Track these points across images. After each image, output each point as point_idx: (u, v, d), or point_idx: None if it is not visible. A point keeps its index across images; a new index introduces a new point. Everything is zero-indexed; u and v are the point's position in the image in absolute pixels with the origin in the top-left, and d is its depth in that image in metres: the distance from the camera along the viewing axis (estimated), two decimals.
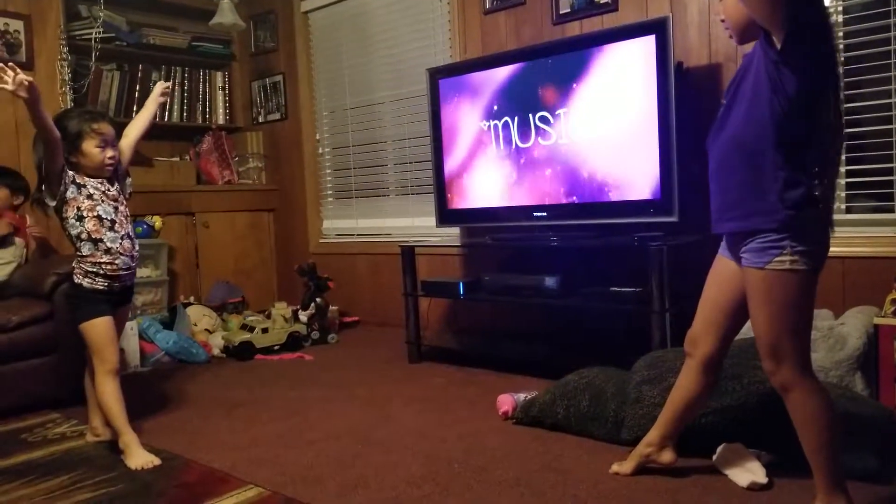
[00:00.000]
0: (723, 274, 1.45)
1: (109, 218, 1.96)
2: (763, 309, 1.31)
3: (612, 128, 2.46)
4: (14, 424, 2.28)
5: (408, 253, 2.94)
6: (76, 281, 1.96)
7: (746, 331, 2.15)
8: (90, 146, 1.92)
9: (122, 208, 2.01)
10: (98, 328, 1.92)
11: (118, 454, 1.90)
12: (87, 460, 1.93)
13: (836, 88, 1.26)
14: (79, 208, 1.92)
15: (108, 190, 1.99)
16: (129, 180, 2.09)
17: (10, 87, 1.69)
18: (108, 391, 1.91)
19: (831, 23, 1.29)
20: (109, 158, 1.96)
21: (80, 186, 1.93)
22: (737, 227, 1.33)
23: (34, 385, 2.41)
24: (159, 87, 2.13)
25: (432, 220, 3.09)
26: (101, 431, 2.08)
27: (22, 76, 1.71)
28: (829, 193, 1.29)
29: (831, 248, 2.31)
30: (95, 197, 1.95)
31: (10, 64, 1.72)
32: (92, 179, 1.96)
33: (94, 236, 1.93)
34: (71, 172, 1.92)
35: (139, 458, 1.85)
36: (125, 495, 1.67)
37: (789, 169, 1.25)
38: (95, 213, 1.93)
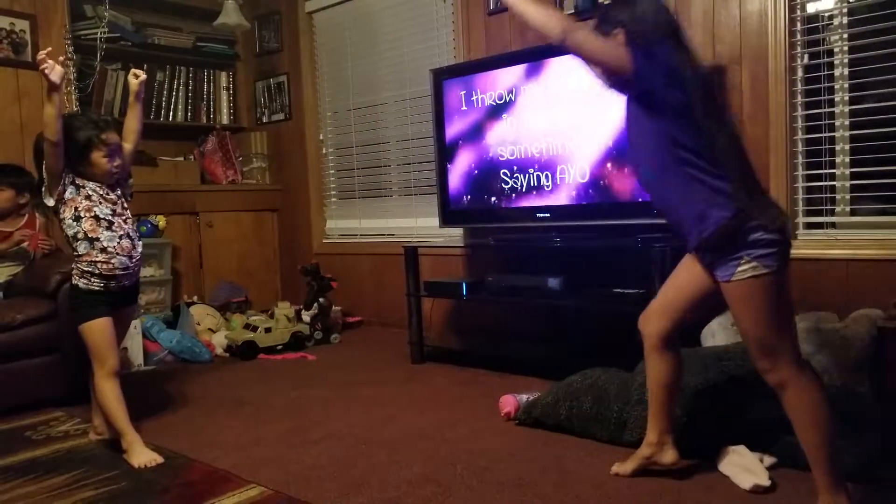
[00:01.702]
0: (694, 267, 1.50)
1: (107, 219, 1.96)
2: (744, 316, 1.38)
3: (616, 128, 2.45)
4: (18, 422, 2.29)
5: (411, 253, 2.94)
6: (73, 282, 1.98)
7: None
8: (98, 156, 1.94)
9: (120, 210, 2.01)
10: (95, 330, 1.93)
11: (121, 452, 1.91)
12: (90, 458, 1.94)
13: (703, 101, 1.35)
14: (76, 208, 1.93)
15: (108, 194, 1.99)
16: (130, 181, 2.10)
17: (49, 70, 1.76)
18: (107, 393, 1.91)
19: (683, 45, 1.41)
20: (116, 167, 1.98)
21: (79, 187, 1.95)
22: (691, 245, 1.43)
23: (38, 383, 2.42)
24: (134, 81, 2.05)
25: (435, 221, 3.10)
26: (103, 430, 2.08)
27: (60, 65, 1.79)
28: (750, 199, 1.34)
29: (836, 251, 2.30)
30: (94, 198, 1.96)
31: (49, 50, 1.80)
32: (92, 182, 1.97)
33: (90, 235, 1.94)
34: (72, 174, 1.93)
35: (142, 456, 1.86)
36: (128, 493, 1.68)
37: (705, 186, 1.35)
38: (93, 214, 1.94)
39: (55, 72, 1.77)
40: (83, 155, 1.92)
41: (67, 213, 1.94)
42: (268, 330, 3.24)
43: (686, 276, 1.52)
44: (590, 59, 1.41)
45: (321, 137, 4.07)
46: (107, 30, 3.50)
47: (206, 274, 3.91)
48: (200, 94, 4.09)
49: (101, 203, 1.96)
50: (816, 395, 1.35)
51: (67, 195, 1.93)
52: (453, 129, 2.95)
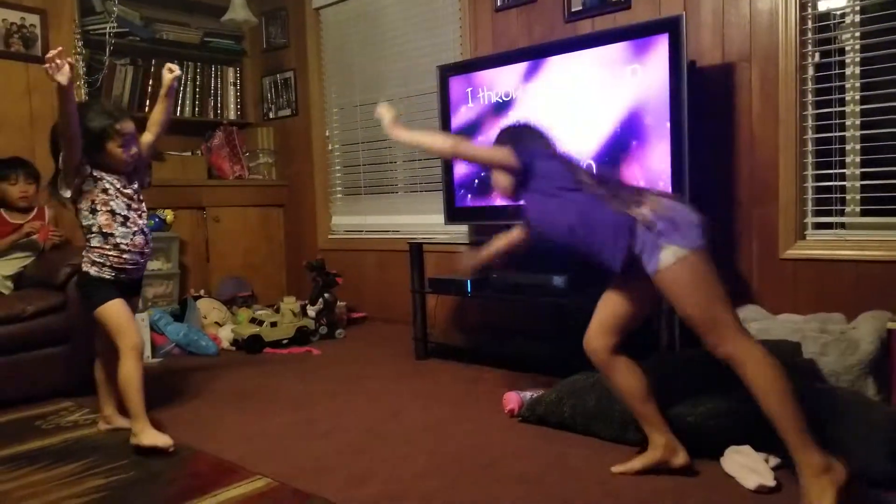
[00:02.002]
0: (621, 284, 1.65)
1: (122, 213, 1.97)
2: (679, 298, 1.49)
3: (623, 127, 2.45)
4: (28, 412, 2.32)
5: (416, 250, 2.95)
6: (84, 269, 1.99)
7: (756, 333, 2.15)
8: (113, 146, 1.94)
9: (135, 205, 2.02)
10: (113, 310, 1.94)
11: (130, 442, 1.91)
12: (98, 448, 1.96)
13: (571, 165, 1.72)
14: (93, 202, 1.95)
15: (125, 187, 2.00)
16: (150, 170, 2.11)
17: (54, 72, 1.70)
18: (130, 369, 1.90)
19: (552, 147, 1.78)
20: (131, 156, 1.98)
21: (96, 180, 1.95)
22: (616, 263, 1.56)
23: (48, 373, 2.44)
24: (168, 76, 2.06)
25: (441, 218, 3.10)
26: (112, 420, 2.10)
27: (66, 62, 1.71)
28: (639, 205, 1.54)
29: (845, 251, 2.30)
30: (111, 192, 1.97)
31: (59, 50, 1.72)
32: (109, 175, 1.97)
33: (105, 230, 1.95)
34: (89, 167, 1.94)
35: (153, 436, 1.85)
36: (136, 482, 1.69)
37: (606, 209, 1.57)
38: (109, 208, 1.95)
39: (62, 73, 1.71)
40: (98, 146, 1.92)
41: (84, 205, 1.95)
42: (273, 324, 3.25)
43: (618, 294, 1.65)
44: (481, 161, 1.83)
45: (327, 133, 4.08)
46: (116, 25, 3.52)
47: (212, 268, 3.93)
48: (208, 89, 4.11)
49: (117, 197, 1.97)
50: (771, 364, 1.42)
51: (85, 187, 1.94)
52: (459, 125, 2.95)
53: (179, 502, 1.56)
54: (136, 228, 2.00)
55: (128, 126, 1.96)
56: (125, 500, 1.59)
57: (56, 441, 2.02)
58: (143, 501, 1.59)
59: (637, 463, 1.65)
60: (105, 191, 1.96)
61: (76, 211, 1.99)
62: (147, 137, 2.07)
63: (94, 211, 1.95)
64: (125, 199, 1.99)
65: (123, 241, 1.97)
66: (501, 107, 2.81)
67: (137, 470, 1.77)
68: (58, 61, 1.71)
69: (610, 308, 1.67)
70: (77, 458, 1.87)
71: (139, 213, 2.02)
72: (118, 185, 1.98)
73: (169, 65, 2.07)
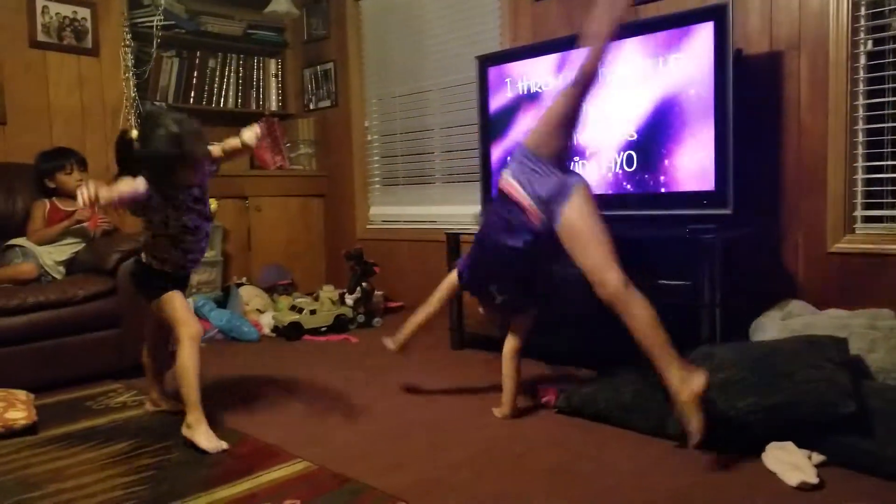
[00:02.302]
0: (568, 218, 1.84)
1: (192, 226, 1.97)
2: (553, 128, 1.92)
3: (666, 117, 2.40)
4: (79, 393, 2.42)
5: (453, 240, 2.96)
6: (144, 261, 2.01)
7: (801, 328, 2.09)
8: (183, 174, 1.87)
9: (203, 216, 1.99)
10: (173, 299, 1.96)
11: (175, 423, 1.96)
12: (146, 429, 2.03)
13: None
14: (166, 215, 1.91)
15: (195, 202, 1.96)
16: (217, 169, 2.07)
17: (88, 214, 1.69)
18: (188, 358, 1.89)
19: None
20: (200, 176, 1.94)
21: (167, 198, 1.90)
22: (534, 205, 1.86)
23: (98, 356, 2.54)
24: (252, 142, 1.96)
25: (478, 209, 3.10)
26: (160, 403, 2.18)
27: (87, 196, 1.66)
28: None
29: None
30: (182, 208, 1.93)
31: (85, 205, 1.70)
32: (181, 192, 1.91)
33: (175, 240, 1.96)
34: (156, 195, 1.88)
35: (209, 439, 1.83)
36: (182, 462, 1.76)
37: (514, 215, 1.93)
38: (181, 223, 1.94)
39: (102, 201, 1.69)
40: (167, 175, 1.86)
41: (155, 219, 1.92)
42: (313, 312, 3.32)
43: (584, 223, 1.79)
44: (444, 294, 2.33)
45: (366, 124, 4.12)
46: (162, 18, 3.62)
47: (254, 256, 4.02)
48: (250, 81, 4.19)
49: (188, 212, 1.94)
50: None
51: (155, 203, 1.89)
52: (498, 116, 2.93)
53: (223, 483, 1.62)
54: (201, 236, 2.01)
55: (197, 150, 1.87)
56: (171, 479, 1.66)
57: (106, 421, 2.11)
58: (188, 481, 1.65)
59: (694, 421, 1.59)
60: (177, 208, 1.92)
61: (146, 223, 1.96)
62: (216, 151, 2.00)
63: (165, 225, 1.93)
64: (195, 213, 1.97)
65: (189, 248, 1.99)
66: (541, 97, 2.78)
67: (183, 451, 1.84)
68: (101, 215, 1.68)
69: (586, 240, 1.77)
70: (126, 438, 1.95)
71: (205, 215, 2.00)
72: (189, 202, 1.94)
73: (256, 131, 1.94)
